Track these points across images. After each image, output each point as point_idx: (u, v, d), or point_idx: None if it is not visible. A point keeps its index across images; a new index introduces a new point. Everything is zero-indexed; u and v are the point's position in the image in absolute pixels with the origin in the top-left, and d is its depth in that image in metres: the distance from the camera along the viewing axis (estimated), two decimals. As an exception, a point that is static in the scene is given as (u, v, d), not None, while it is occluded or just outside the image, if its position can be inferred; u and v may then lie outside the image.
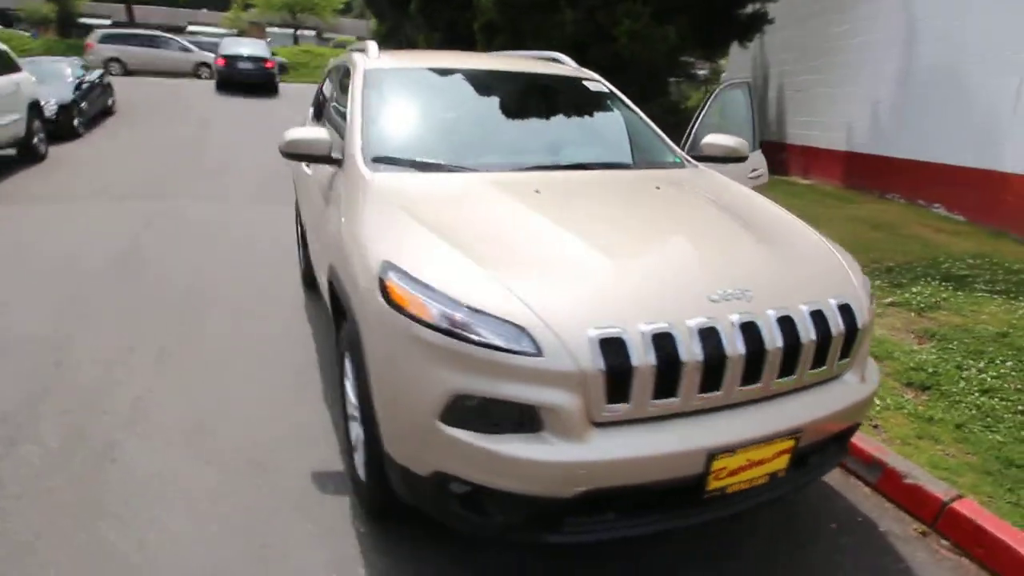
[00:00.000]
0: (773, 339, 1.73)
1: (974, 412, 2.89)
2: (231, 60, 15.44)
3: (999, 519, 2.20)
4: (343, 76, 3.33)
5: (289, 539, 2.14)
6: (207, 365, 3.29)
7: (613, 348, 1.59)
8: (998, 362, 3.27)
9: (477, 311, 1.63)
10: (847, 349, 1.92)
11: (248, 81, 15.38)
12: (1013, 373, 3.18)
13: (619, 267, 1.83)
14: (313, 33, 38.33)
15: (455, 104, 2.95)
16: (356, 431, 2.14)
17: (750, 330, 1.71)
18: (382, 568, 2.01)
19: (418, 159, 2.53)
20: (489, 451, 1.60)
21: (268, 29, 35.26)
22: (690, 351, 1.64)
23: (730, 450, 1.68)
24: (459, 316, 1.63)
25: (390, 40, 14.41)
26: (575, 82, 3.34)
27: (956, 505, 2.26)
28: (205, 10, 40.07)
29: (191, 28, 33.10)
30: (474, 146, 2.69)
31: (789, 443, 1.78)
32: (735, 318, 1.70)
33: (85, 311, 3.88)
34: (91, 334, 3.57)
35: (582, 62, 3.65)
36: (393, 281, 1.76)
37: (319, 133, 2.63)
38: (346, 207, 2.35)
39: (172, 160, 8.58)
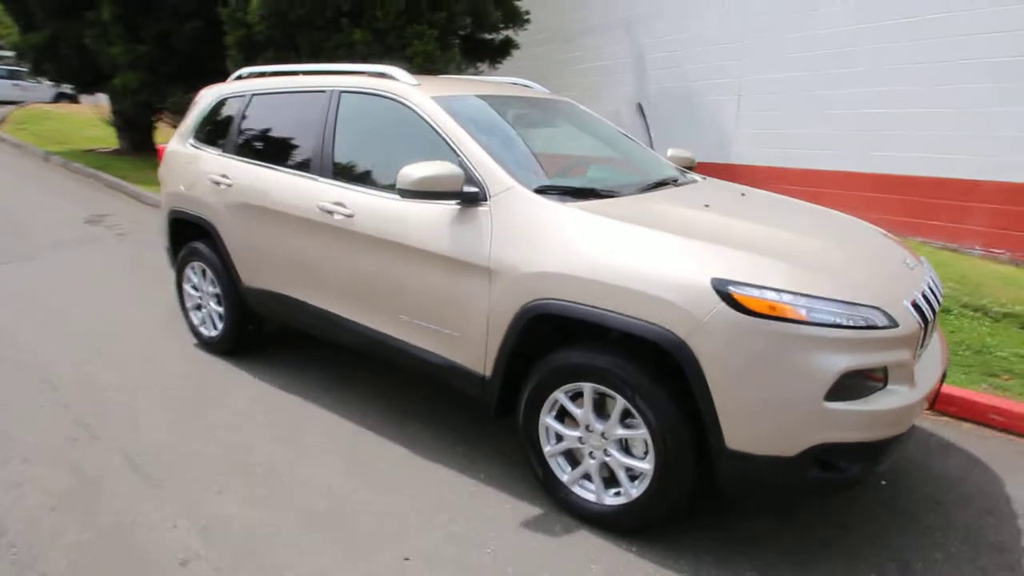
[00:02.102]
0: (937, 297, 2.46)
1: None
2: None
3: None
4: (335, 104, 3.11)
5: None
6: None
7: (916, 311, 2.12)
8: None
9: (841, 302, 1.97)
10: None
11: None
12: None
13: (845, 254, 2.34)
14: None
15: (537, 135, 2.98)
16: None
17: (932, 291, 2.41)
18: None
19: (570, 186, 2.59)
20: (863, 412, 1.97)
21: None
22: (928, 309, 2.26)
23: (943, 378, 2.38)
24: (831, 309, 1.94)
25: (49, 54, 11.47)
26: (576, 107, 3.66)
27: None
28: None
29: None
30: (611, 172, 2.83)
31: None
32: (927, 281, 2.38)
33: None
34: None
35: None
36: (745, 292, 1.96)
37: (450, 167, 2.46)
38: (533, 242, 2.33)
39: None
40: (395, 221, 2.73)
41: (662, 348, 2.07)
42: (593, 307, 2.18)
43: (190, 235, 3.95)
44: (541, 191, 2.48)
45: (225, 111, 3.79)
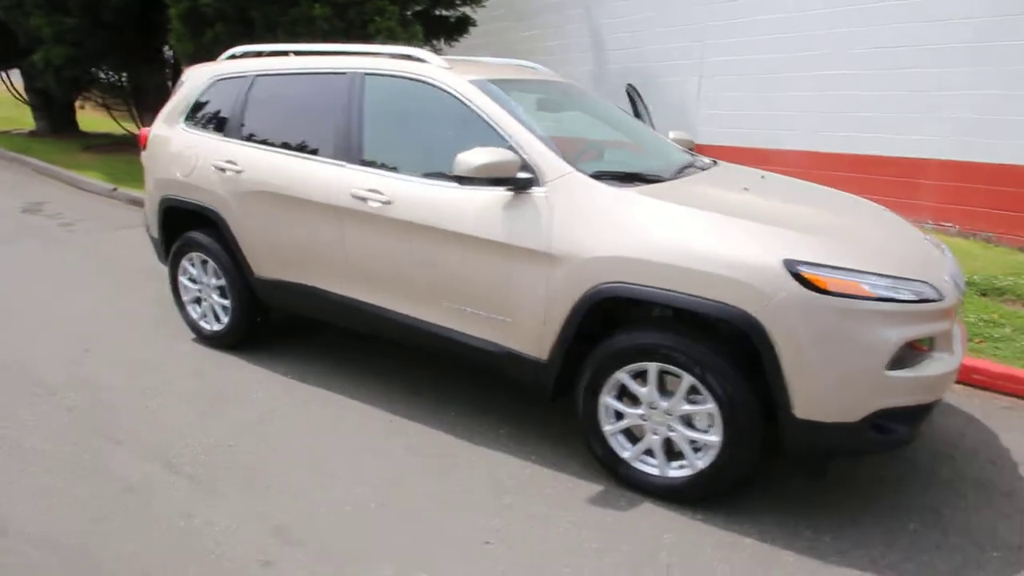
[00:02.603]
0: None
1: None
2: None
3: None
4: (352, 87, 3.04)
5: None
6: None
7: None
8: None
9: (898, 278, 2.14)
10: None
11: None
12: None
13: (884, 234, 2.52)
14: None
15: (569, 119, 3.01)
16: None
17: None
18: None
19: (619, 171, 2.64)
20: (915, 378, 2.16)
21: None
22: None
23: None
24: (890, 284, 2.11)
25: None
26: (584, 90, 3.69)
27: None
28: None
29: None
30: (629, 156, 2.88)
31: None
32: (951, 260, 2.59)
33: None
34: None
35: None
36: (815, 272, 2.09)
37: (508, 153, 2.47)
38: (598, 227, 2.39)
39: None
40: (438, 208, 2.71)
41: (733, 326, 2.19)
42: (665, 289, 2.26)
43: (186, 224, 3.75)
44: (597, 176, 2.53)
45: (222, 93, 3.59)
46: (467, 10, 9.58)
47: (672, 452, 2.49)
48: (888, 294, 2.10)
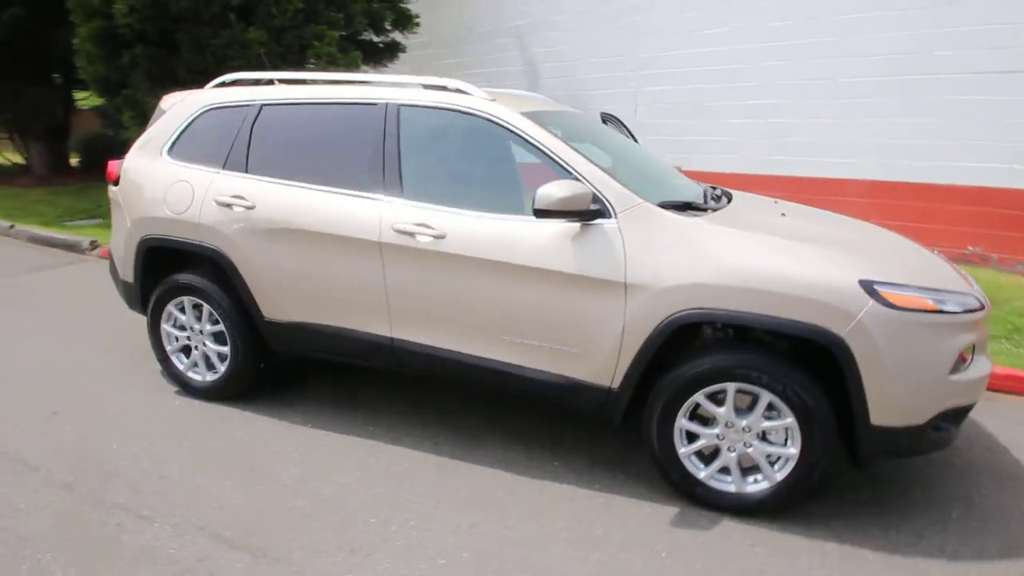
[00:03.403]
0: None
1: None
2: None
3: None
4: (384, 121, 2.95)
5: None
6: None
7: None
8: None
9: (952, 292, 2.38)
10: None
11: None
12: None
13: (916, 254, 2.78)
14: None
15: (587, 149, 3.03)
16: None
17: None
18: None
19: (675, 201, 2.73)
20: (968, 380, 2.41)
21: None
22: None
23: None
24: (960, 300, 2.36)
25: None
26: (593, 119, 3.79)
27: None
28: None
29: None
30: (667, 186, 2.98)
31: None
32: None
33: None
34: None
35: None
36: (890, 290, 2.28)
37: (581, 186, 2.49)
38: (674, 256, 2.47)
39: None
40: (500, 241, 2.67)
41: (815, 344, 2.33)
42: (748, 312, 2.37)
43: (170, 267, 3.41)
44: (663, 206, 2.61)
45: (217, 123, 3.33)
46: (397, 35, 9.50)
47: (743, 469, 2.59)
48: (948, 307, 2.34)
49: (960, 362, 2.44)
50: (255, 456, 2.98)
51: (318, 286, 3.04)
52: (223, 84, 3.49)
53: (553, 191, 2.42)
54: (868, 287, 2.29)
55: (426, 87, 3.03)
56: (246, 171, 3.20)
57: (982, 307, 2.46)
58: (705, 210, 2.77)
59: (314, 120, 3.14)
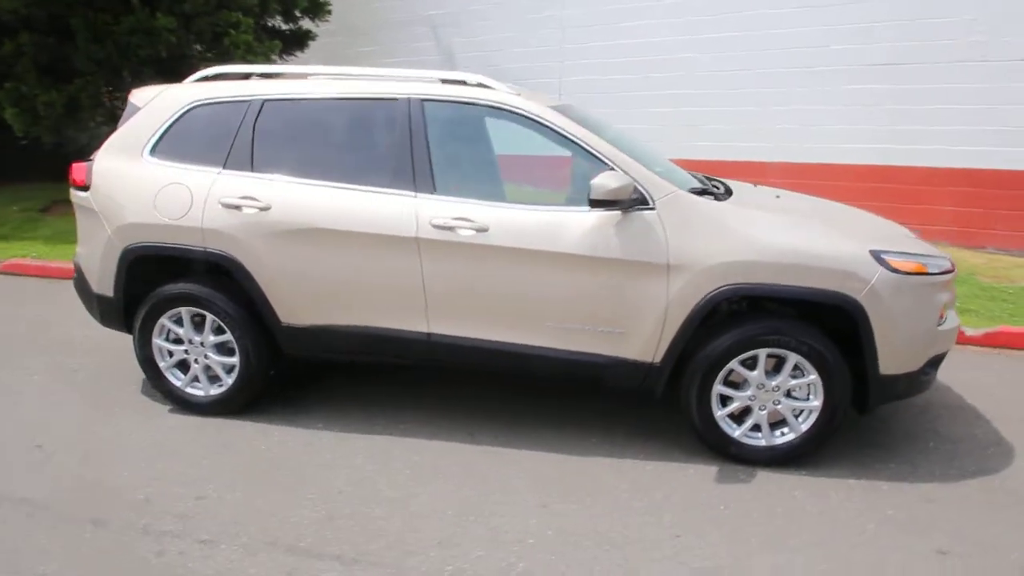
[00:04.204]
0: None
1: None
2: None
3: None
4: (417, 118, 2.93)
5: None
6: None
7: None
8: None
9: (933, 256, 2.80)
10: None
11: None
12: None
13: (888, 225, 3.21)
14: None
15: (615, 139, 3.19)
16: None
17: None
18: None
19: (699, 188, 2.97)
20: (948, 330, 2.88)
21: None
22: None
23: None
24: (939, 263, 2.77)
25: None
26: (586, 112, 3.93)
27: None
28: None
29: None
30: (675, 173, 3.20)
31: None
32: None
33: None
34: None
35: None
36: (895, 258, 2.67)
37: (625, 177, 2.66)
38: (712, 237, 2.71)
39: None
40: (546, 231, 2.77)
41: (839, 309, 2.66)
42: (780, 284, 2.66)
43: (163, 276, 3.17)
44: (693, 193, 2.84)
45: (209, 120, 3.11)
46: (307, 23, 9.08)
47: (771, 425, 2.89)
48: (935, 269, 2.76)
49: (939, 317, 2.90)
50: (293, 466, 2.88)
51: (346, 286, 2.97)
52: (206, 78, 3.26)
53: (607, 182, 2.56)
54: (877, 256, 2.66)
55: (444, 81, 3.04)
56: (252, 170, 3.03)
57: (952, 268, 2.93)
58: (715, 195, 3.04)
59: (327, 116, 3.04)
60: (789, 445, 2.86)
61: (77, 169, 3.26)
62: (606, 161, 2.80)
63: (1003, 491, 2.76)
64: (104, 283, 3.24)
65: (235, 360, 3.18)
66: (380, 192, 2.91)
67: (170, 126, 3.15)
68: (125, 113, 3.28)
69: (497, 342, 2.92)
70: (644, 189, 2.75)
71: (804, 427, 2.84)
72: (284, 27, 9.00)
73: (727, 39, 7.17)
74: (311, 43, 9.56)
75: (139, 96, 3.28)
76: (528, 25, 8.51)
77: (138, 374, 3.59)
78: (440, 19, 9.35)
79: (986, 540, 2.44)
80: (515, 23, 8.60)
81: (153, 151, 3.15)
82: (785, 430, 2.87)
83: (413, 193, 2.88)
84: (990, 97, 6.04)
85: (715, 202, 2.84)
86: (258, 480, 2.78)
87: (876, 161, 6.68)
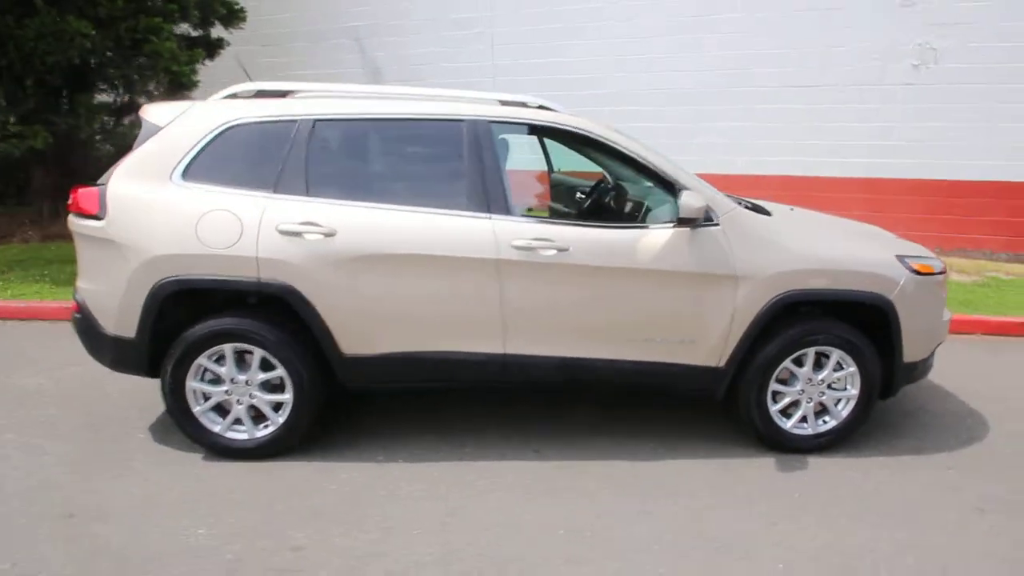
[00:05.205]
0: None
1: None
2: None
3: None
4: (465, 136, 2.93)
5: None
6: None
7: None
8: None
9: (934, 258, 3.27)
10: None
11: None
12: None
13: (880, 233, 3.67)
14: None
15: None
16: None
17: None
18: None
19: (749, 204, 3.26)
20: (947, 322, 3.37)
21: None
22: None
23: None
24: (939, 264, 3.23)
25: None
26: None
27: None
28: None
29: None
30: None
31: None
32: None
33: None
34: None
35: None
36: (917, 262, 3.11)
37: (703, 198, 2.85)
38: (770, 250, 2.99)
39: None
40: (621, 249, 2.90)
41: (874, 308, 3.03)
42: (828, 288, 3.00)
43: (196, 313, 2.88)
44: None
45: (251, 140, 2.89)
46: (220, 31, 8.44)
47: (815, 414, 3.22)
48: (940, 269, 3.23)
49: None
50: (376, 502, 2.75)
51: (420, 310, 2.89)
52: (235, 96, 3.02)
53: (693, 202, 2.75)
54: (902, 260, 3.08)
55: (504, 103, 3.06)
56: (307, 194, 2.86)
57: (945, 268, 3.45)
58: (763, 211, 3.34)
59: (386, 137, 2.94)
60: (831, 432, 3.20)
61: (84, 196, 2.87)
62: (672, 180, 2.98)
63: (1003, 454, 3.28)
64: (124, 323, 2.87)
65: (286, 397, 2.96)
66: (454, 215, 2.87)
67: (204, 147, 2.88)
68: (142, 133, 2.94)
69: (573, 358, 2.99)
70: (710, 207, 2.97)
71: (844, 413, 3.18)
72: (194, 34, 8.31)
73: (658, 60, 7.71)
74: (221, 52, 8.93)
75: (156, 114, 2.96)
76: (459, 41, 8.56)
77: (137, 420, 3.25)
78: (362, 31, 9.13)
79: (1010, 498, 2.89)
80: (445, 37, 8.61)
81: (185, 174, 2.86)
82: (827, 418, 3.21)
83: (488, 215, 2.88)
84: (884, 115, 7.03)
85: (767, 217, 3.13)
86: (348, 521, 2.62)
87: (788, 172, 7.49)
